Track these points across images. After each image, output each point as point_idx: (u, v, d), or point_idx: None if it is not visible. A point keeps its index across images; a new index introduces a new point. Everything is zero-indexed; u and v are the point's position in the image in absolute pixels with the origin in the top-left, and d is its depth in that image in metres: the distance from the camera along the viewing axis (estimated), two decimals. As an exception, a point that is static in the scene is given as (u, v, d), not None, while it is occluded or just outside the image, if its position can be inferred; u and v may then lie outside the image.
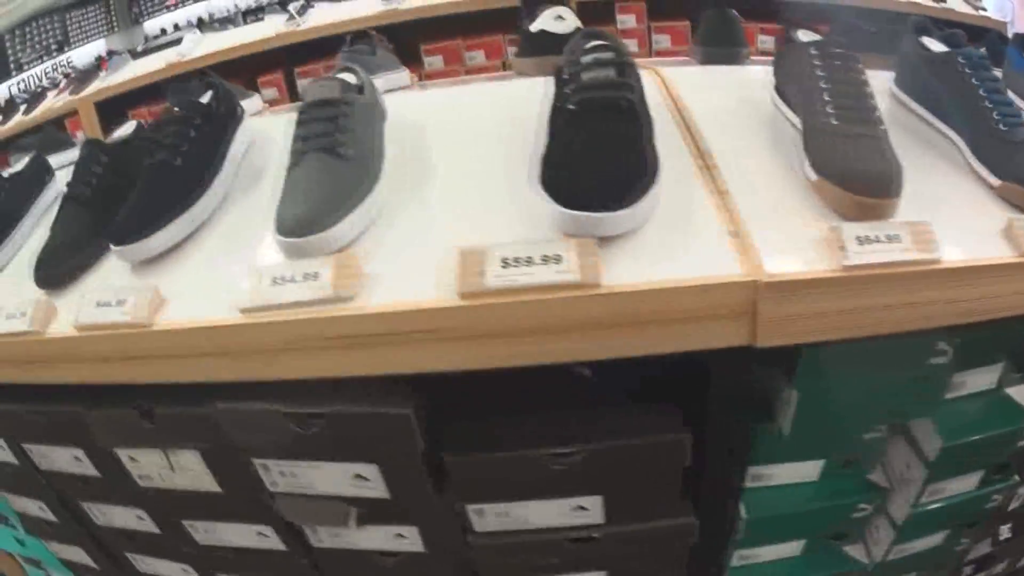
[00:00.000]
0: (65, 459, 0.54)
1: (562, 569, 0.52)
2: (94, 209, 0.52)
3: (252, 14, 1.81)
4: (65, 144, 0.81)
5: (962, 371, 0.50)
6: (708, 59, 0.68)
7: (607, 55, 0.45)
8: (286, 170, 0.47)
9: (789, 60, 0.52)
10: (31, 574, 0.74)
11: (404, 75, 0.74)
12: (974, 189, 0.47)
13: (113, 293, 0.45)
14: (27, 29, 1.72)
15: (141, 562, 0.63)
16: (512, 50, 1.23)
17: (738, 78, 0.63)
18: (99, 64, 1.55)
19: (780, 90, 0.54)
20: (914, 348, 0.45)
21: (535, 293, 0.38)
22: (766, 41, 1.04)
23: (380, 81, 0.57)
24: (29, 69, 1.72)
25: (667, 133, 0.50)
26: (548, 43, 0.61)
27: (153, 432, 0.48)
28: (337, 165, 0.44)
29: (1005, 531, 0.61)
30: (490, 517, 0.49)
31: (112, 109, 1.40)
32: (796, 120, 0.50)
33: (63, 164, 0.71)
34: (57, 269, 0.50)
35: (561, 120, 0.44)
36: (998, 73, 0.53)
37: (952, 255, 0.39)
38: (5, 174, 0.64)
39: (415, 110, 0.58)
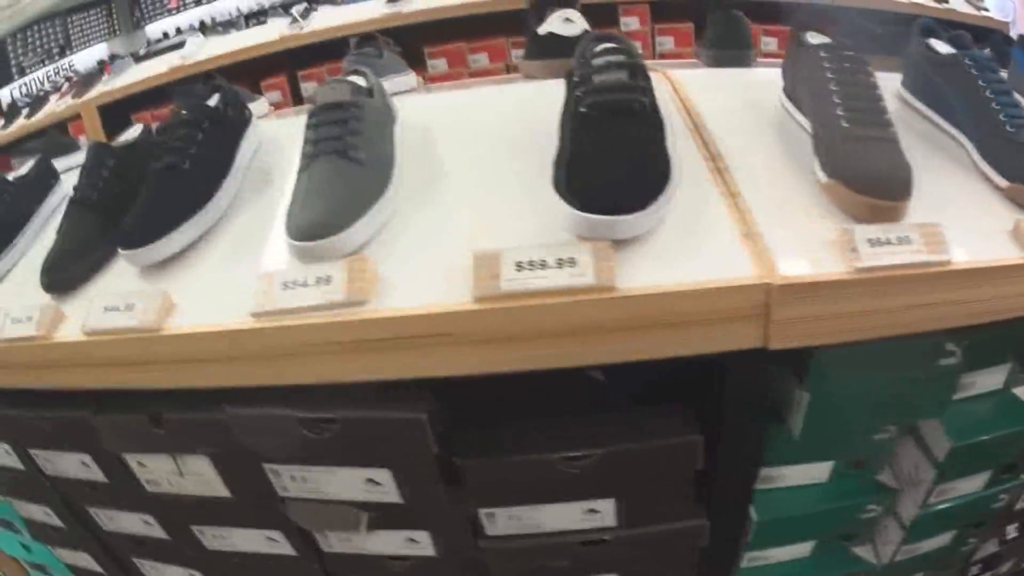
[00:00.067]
0: (72, 464, 0.53)
1: (572, 572, 0.52)
2: (101, 213, 0.52)
3: (254, 17, 1.80)
4: (70, 148, 0.80)
5: (970, 372, 0.49)
6: (715, 61, 0.67)
7: (619, 58, 0.44)
8: (296, 173, 0.46)
9: (798, 62, 0.52)
10: (36, 580, 0.73)
11: (411, 78, 0.73)
12: (981, 190, 0.46)
13: (121, 298, 0.44)
14: (29, 33, 1.72)
15: (149, 567, 0.62)
16: (516, 53, 1.23)
17: (746, 80, 0.63)
18: (102, 68, 1.54)
19: (789, 92, 0.53)
20: (924, 349, 0.45)
21: (550, 297, 0.37)
22: (769, 43, 1.04)
23: (387, 84, 0.56)
24: (31, 73, 1.71)
25: (678, 135, 0.49)
26: (557, 46, 0.61)
27: (162, 437, 0.47)
28: (349, 168, 0.44)
29: (1012, 531, 0.61)
30: (502, 521, 0.48)
31: (115, 113, 1.39)
32: (806, 122, 0.49)
33: (68, 168, 0.70)
34: (64, 273, 0.49)
35: (574, 123, 0.43)
36: (1004, 74, 0.53)
37: (961, 256, 0.39)
38: (10, 177, 0.63)
39: (423, 113, 0.58)
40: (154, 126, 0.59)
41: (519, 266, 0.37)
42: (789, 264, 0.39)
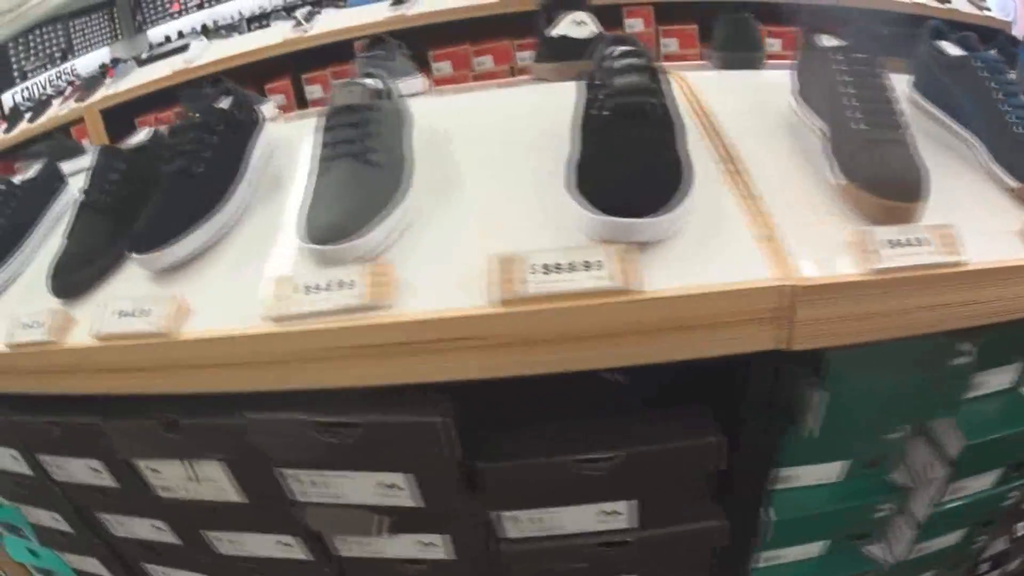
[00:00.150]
0: (82, 470, 0.52)
1: (590, 574, 0.51)
2: (111, 217, 0.50)
3: (256, 21, 1.79)
4: (75, 151, 0.78)
5: (982, 371, 0.49)
6: (725, 64, 0.67)
7: (637, 60, 0.43)
8: (312, 177, 0.45)
9: (810, 65, 0.51)
10: (44, 586, 0.71)
11: (420, 80, 0.72)
12: (992, 191, 0.46)
13: (135, 303, 0.42)
14: (31, 37, 1.69)
15: (159, 573, 0.61)
16: (521, 55, 1.22)
17: (756, 82, 0.62)
18: (104, 72, 1.52)
19: (802, 94, 0.53)
20: (938, 349, 0.45)
21: (575, 299, 0.36)
22: (773, 44, 1.03)
23: (398, 86, 0.55)
24: (33, 77, 1.69)
25: (693, 138, 0.48)
26: (568, 48, 0.60)
27: (175, 443, 0.46)
28: (366, 171, 0.42)
29: (1020, 528, 0.61)
30: (522, 524, 0.47)
31: (118, 117, 1.37)
32: (820, 124, 0.49)
33: (74, 171, 0.68)
34: (73, 278, 0.47)
35: (594, 126, 0.42)
36: (1013, 76, 0.53)
37: (975, 257, 0.39)
38: (16, 181, 0.61)
39: (435, 115, 0.57)
40: (163, 129, 0.58)
41: (546, 269, 0.37)
42: (809, 266, 0.38)
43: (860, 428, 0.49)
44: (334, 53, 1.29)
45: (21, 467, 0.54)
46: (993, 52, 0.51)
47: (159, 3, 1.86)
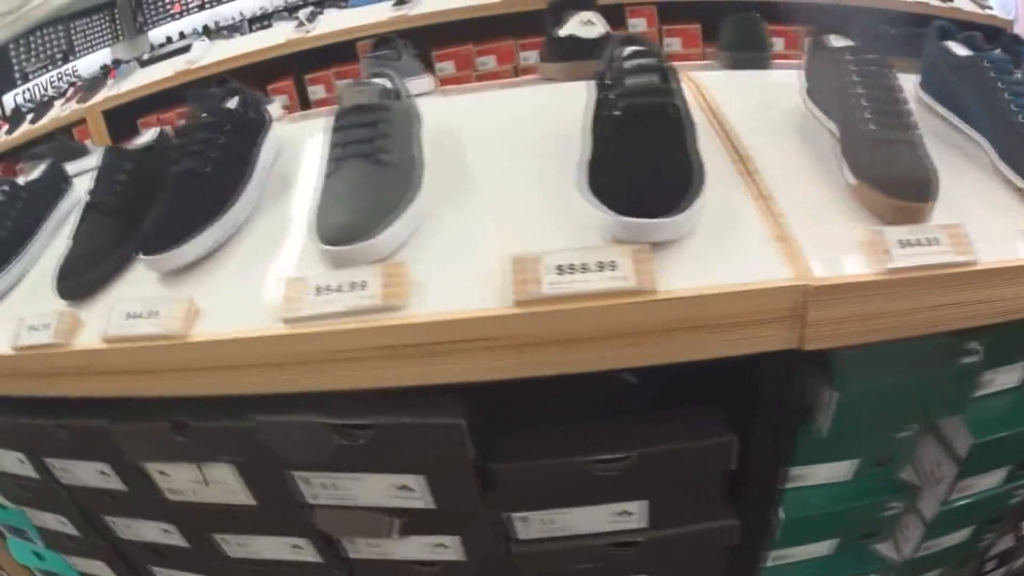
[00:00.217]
0: (89, 473, 0.51)
1: (601, 574, 0.50)
2: (118, 218, 0.49)
3: (258, 21, 1.77)
4: (79, 152, 0.77)
5: (991, 369, 0.49)
6: (733, 63, 0.66)
7: (650, 60, 0.43)
8: (323, 177, 0.44)
9: (821, 65, 0.51)
10: (49, 589, 0.71)
11: (428, 80, 0.71)
12: (1000, 190, 0.46)
13: (144, 304, 0.42)
14: (32, 39, 1.68)
15: (166, 576, 0.60)
16: (525, 55, 1.21)
17: (765, 82, 0.62)
18: (106, 73, 1.51)
19: (811, 94, 0.52)
20: (948, 348, 0.45)
21: (591, 300, 0.36)
22: (776, 43, 1.03)
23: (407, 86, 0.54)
24: (34, 79, 1.68)
25: (704, 138, 0.48)
26: (576, 48, 0.60)
27: (185, 446, 0.45)
28: (378, 171, 0.42)
29: (1027, 525, 0.60)
30: (535, 525, 0.46)
31: (120, 118, 1.36)
32: (830, 124, 0.48)
33: (79, 172, 0.68)
34: (80, 280, 0.47)
35: (606, 126, 0.42)
36: (1020, 75, 0.53)
37: (984, 256, 0.39)
38: (21, 182, 0.60)
39: (444, 115, 0.56)
40: (166, 128, 0.57)
41: (560, 269, 0.36)
42: (823, 266, 0.38)
43: (869, 427, 0.49)
44: (337, 53, 1.29)
45: (27, 470, 0.53)
46: (997, 51, 0.51)
47: (160, 4, 1.85)
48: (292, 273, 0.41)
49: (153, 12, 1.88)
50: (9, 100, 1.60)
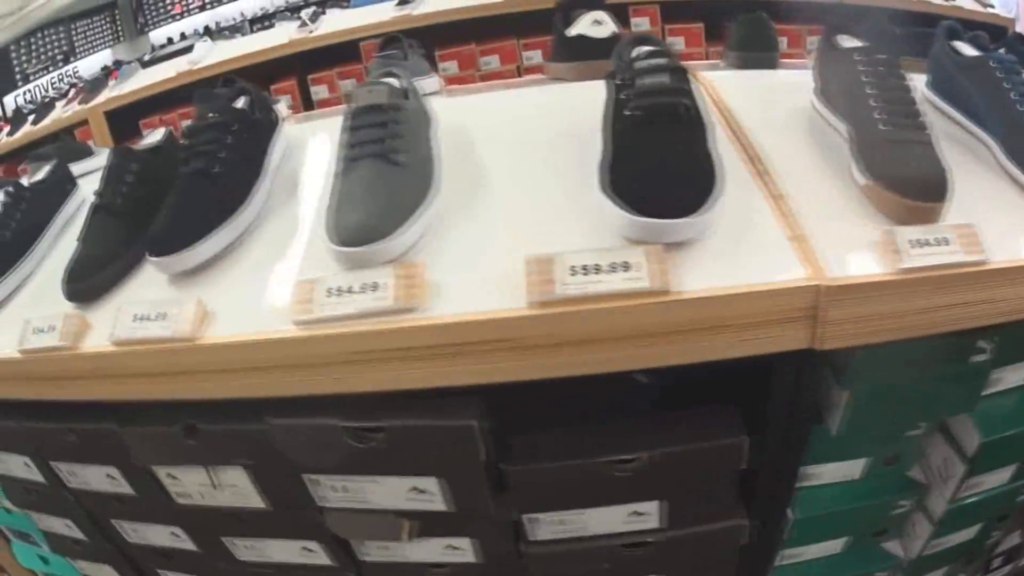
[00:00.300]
0: (97, 477, 0.50)
1: (613, 575, 0.50)
2: (126, 219, 0.48)
3: (259, 22, 1.76)
4: (83, 153, 0.76)
5: (999, 368, 0.49)
6: (741, 63, 0.66)
7: (663, 60, 0.42)
8: (335, 177, 0.43)
9: (831, 65, 0.51)
10: (55, 592, 0.70)
11: (435, 80, 0.70)
12: (1008, 190, 0.46)
13: (153, 306, 0.41)
14: (32, 40, 1.66)
15: (175, 580, 0.59)
16: (527, 54, 1.20)
17: (774, 82, 0.61)
18: (107, 74, 1.49)
19: (821, 93, 0.52)
20: (958, 347, 0.44)
21: (608, 301, 0.35)
22: (780, 42, 1.03)
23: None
24: (35, 80, 1.66)
25: (718, 138, 0.48)
26: (586, 48, 0.59)
27: (196, 449, 0.44)
28: (392, 172, 0.41)
29: (1034, 522, 0.60)
30: (547, 526, 0.46)
31: (122, 119, 1.35)
32: (841, 124, 0.48)
33: (83, 173, 0.67)
34: (88, 282, 0.46)
35: (621, 126, 0.41)
36: (1027, 75, 0.52)
37: (994, 256, 0.39)
38: (25, 183, 0.59)
39: (453, 115, 0.55)
40: (169, 129, 0.56)
41: (575, 270, 0.35)
42: (838, 266, 0.38)
43: (881, 426, 0.48)
44: (339, 54, 1.28)
45: (33, 474, 0.52)
46: (1000, 50, 0.51)
47: (161, 5, 1.83)
48: (304, 274, 0.40)
49: (154, 13, 1.87)
50: (10, 101, 1.59)
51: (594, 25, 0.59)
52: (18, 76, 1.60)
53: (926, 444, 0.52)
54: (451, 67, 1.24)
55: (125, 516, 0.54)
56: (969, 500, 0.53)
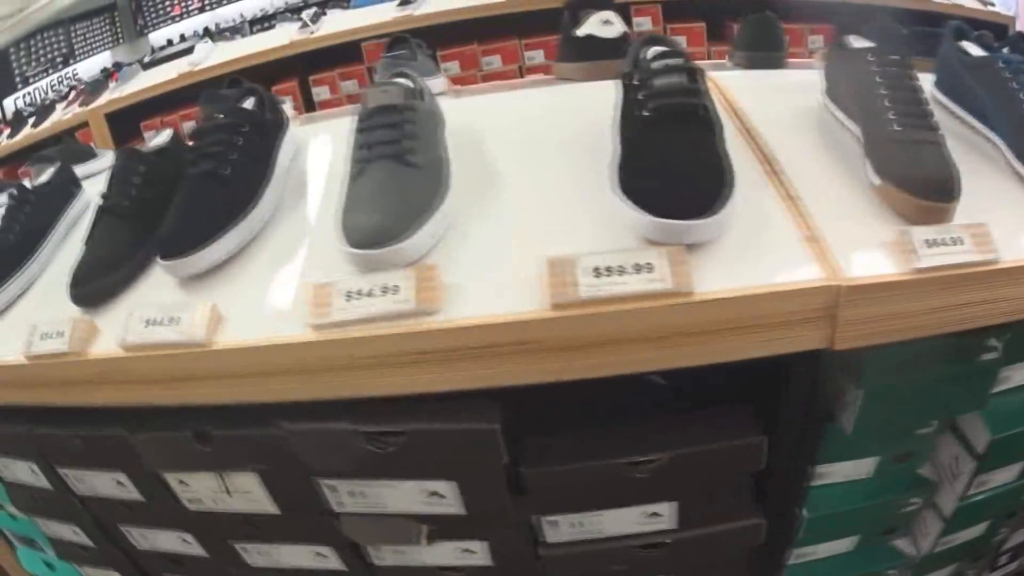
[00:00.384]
0: (105, 483, 0.49)
1: (628, 576, 0.49)
2: (133, 222, 0.47)
3: (259, 23, 1.75)
4: (86, 155, 0.74)
5: (1009, 366, 0.49)
6: (749, 63, 0.65)
7: (678, 61, 0.42)
8: (348, 178, 0.42)
9: (842, 65, 0.50)
10: (61, 598, 0.68)
11: (442, 81, 0.70)
12: (1016, 189, 0.46)
13: (164, 310, 0.40)
14: (32, 43, 1.64)
15: (184, 585, 0.58)
16: (529, 54, 1.20)
17: (783, 82, 0.61)
18: (108, 76, 1.48)
19: (832, 94, 0.52)
20: (969, 345, 0.44)
21: (630, 302, 0.35)
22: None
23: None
24: (35, 82, 1.64)
25: (730, 139, 0.47)
26: (595, 48, 0.58)
27: (207, 455, 0.43)
28: (406, 173, 0.40)
29: (1040, 519, 0.60)
30: (564, 528, 0.45)
31: (122, 121, 1.33)
32: (852, 124, 0.48)
33: (87, 175, 0.65)
34: (95, 285, 0.44)
35: (636, 127, 0.41)
36: (1035, 75, 0.52)
37: (1005, 255, 0.39)
38: (29, 185, 0.58)
39: (463, 116, 0.54)
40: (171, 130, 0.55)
41: (597, 272, 0.35)
42: (853, 266, 0.38)
43: (892, 424, 0.48)
44: (341, 54, 1.27)
45: (39, 480, 0.51)
46: (1006, 50, 0.51)
47: (160, 7, 1.81)
48: (316, 277, 0.39)
49: (153, 15, 1.85)
50: (10, 104, 1.57)
51: (603, 25, 0.58)
52: (18, 78, 1.58)
53: (936, 442, 0.52)
54: (453, 67, 1.23)
55: (133, 522, 0.53)
56: (978, 497, 0.52)
